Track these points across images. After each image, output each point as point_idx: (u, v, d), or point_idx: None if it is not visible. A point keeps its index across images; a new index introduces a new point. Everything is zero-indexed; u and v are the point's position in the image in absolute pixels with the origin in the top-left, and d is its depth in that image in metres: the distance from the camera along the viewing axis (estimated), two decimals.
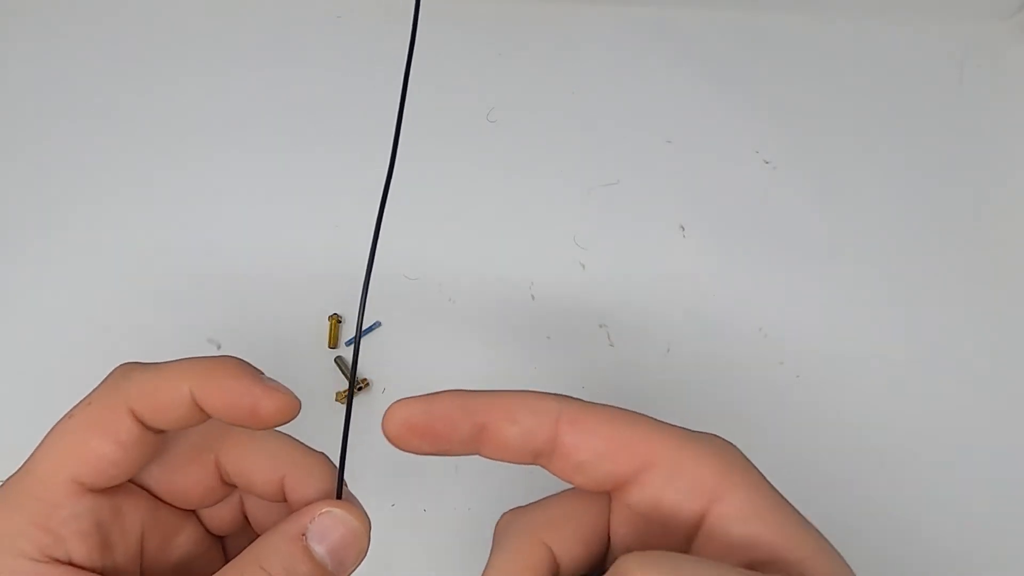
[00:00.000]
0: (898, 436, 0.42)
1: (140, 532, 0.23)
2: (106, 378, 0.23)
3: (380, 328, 0.43)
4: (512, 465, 0.43)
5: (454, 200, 0.46)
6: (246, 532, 0.26)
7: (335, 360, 0.42)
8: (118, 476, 0.22)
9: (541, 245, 0.45)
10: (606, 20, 0.52)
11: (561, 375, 0.42)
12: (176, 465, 0.24)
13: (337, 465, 0.23)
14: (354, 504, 0.23)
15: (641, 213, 0.46)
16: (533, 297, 0.44)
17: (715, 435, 0.22)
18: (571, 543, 0.21)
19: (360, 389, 0.41)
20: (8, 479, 0.22)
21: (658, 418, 0.21)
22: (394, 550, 0.39)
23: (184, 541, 0.24)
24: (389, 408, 0.22)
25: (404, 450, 0.23)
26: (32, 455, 0.22)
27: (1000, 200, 0.47)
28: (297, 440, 0.24)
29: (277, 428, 0.22)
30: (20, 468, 0.22)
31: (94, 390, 0.22)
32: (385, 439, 0.22)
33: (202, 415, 0.22)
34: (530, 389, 0.21)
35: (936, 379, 0.43)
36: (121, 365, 0.23)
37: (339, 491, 0.23)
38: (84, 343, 0.42)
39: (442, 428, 0.22)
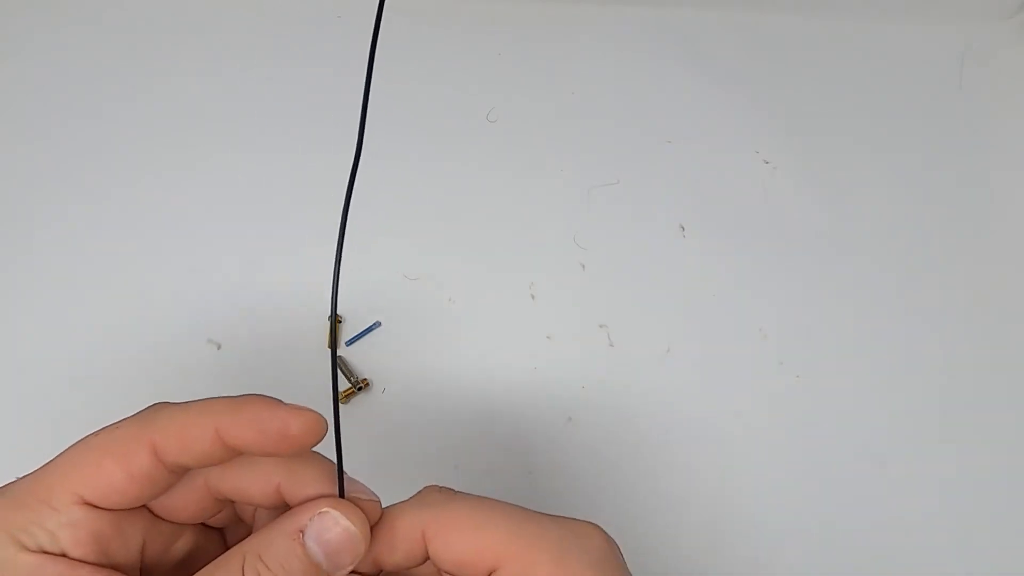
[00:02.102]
0: (898, 436, 0.42)
1: (140, 544, 0.23)
2: (139, 412, 0.23)
3: (380, 328, 0.43)
4: (512, 466, 0.43)
5: (454, 200, 0.46)
6: (244, 522, 0.26)
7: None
8: (121, 503, 0.22)
9: (541, 245, 0.45)
10: (606, 20, 0.52)
11: (561, 375, 0.42)
12: (168, 492, 0.24)
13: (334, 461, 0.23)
14: (354, 505, 0.23)
15: (641, 213, 0.46)
16: (533, 297, 0.44)
17: (586, 526, 0.23)
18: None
19: (360, 389, 0.41)
20: (18, 479, 0.22)
21: (534, 509, 0.23)
22: None
23: (184, 543, 0.25)
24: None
25: None
26: (47, 463, 0.22)
27: (1000, 200, 0.47)
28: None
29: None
30: (32, 472, 0.22)
31: (124, 419, 0.23)
32: None
33: (226, 451, 0.22)
34: (395, 505, 0.24)
35: (936, 379, 0.43)
36: (154, 404, 0.23)
37: (341, 490, 0.23)
38: (83, 343, 0.42)
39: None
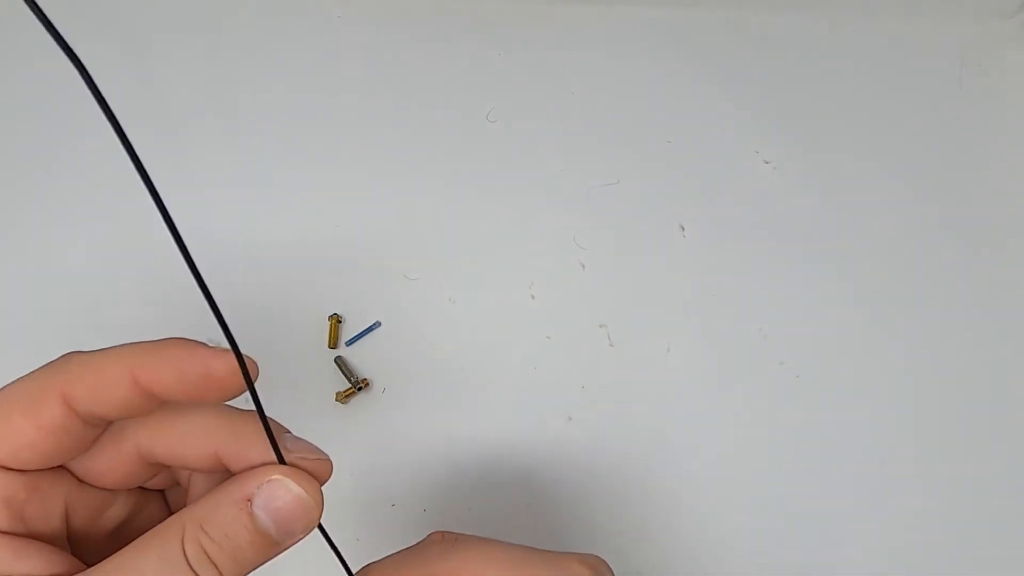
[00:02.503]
0: (898, 436, 0.42)
1: (62, 510, 0.21)
2: (48, 362, 0.21)
3: (380, 328, 0.43)
4: (512, 466, 0.43)
5: (454, 200, 0.46)
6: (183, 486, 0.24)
7: (335, 360, 0.42)
8: (34, 461, 0.20)
9: (541, 245, 0.45)
10: (606, 20, 0.52)
11: (561, 375, 0.42)
12: (91, 453, 0.22)
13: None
14: (304, 472, 0.21)
15: (641, 213, 0.46)
16: (533, 297, 0.44)
17: (571, 562, 0.24)
18: None
19: (360, 389, 0.41)
20: None
21: (528, 544, 0.25)
22: (394, 550, 0.39)
23: (118, 510, 0.23)
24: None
25: None
26: None
27: (1001, 199, 0.47)
28: (225, 406, 0.22)
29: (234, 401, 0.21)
30: None
31: (32, 371, 0.21)
32: None
33: (145, 399, 0.20)
34: (401, 554, 0.26)
35: (936, 379, 0.43)
36: (67, 352, 0.21)
37: (279, 456, 0.21)
38: (83, 343, 0.42)
39: None
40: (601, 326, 0.43)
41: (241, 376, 0.20)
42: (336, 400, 0.41)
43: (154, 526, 0.20)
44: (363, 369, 0.42)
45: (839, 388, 0.42)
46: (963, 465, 0.41)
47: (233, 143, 0.48)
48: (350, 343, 0.42)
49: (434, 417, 0.41)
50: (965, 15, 0.51)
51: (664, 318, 0.44)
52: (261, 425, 0.21)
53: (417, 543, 0.26)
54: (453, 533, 0.26)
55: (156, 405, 0.21)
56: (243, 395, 0.21)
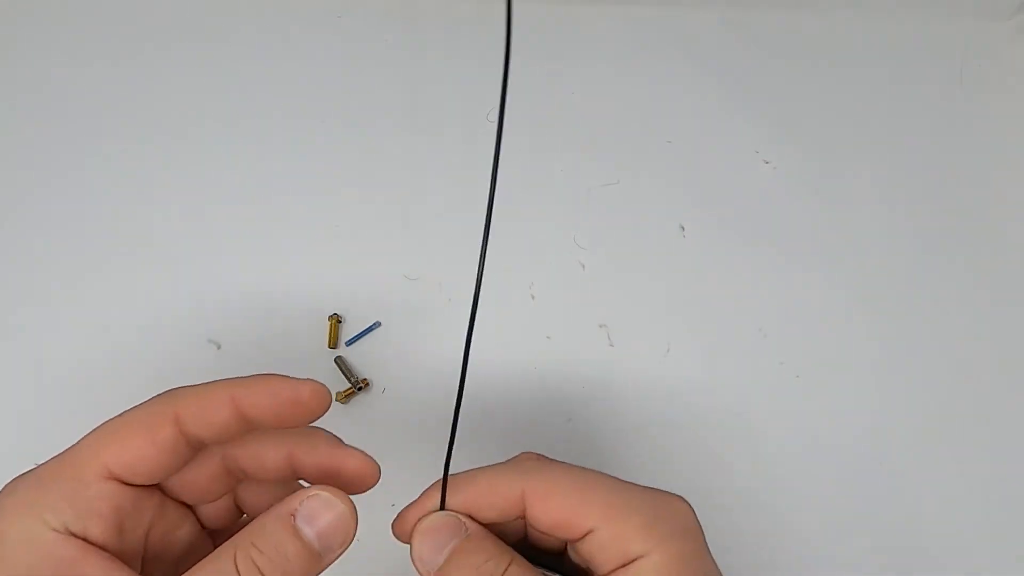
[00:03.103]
0: (898, 436, 0.42)
1: (149, 523, 0.24)
2: (158, 394, 0.24)
3: (380, 328, 0.43)
4: None
5: (454, 200, 0.46)
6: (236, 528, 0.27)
7: (335, 360, 0.42)
8: (147, 476, 0.23)
9: (541, 245, 0.45)
10: (606, 20, 0.52)
11: (561, 375, 0.42)
12: (183, 469, 0.25)
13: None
14: (341, 491, 0.24)
15: (641, 213, 0.46)
16: (533, 297, 0.44)
17: (673, 497, 0.25)
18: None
19: (360, 389, 0.41)
20: (51, 459, 0.23)
21: (622, 476, 0.25)
22: (394, 550, 0.39)
23: (183, 535, 0.26)
24: (400, 522, 0.27)
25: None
26: (77, 442, 0.23)
27: (1000, 199, 0.47)
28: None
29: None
30: (63, 451, 0.23)
31: (143, 402, 0.24)
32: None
33: (242, 423, 0.23)
34: (495, 466, 0.26)
35: (936, 378, 0.43)
36: (172, 388, 0.25)
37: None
38: (83, 343, 0.42)
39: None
40: (601, 326, 0.43)
41: (324, 400, 0.24)
42: (336, 400, 0.41)
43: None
44: (363, 369, 0.42)
45: (839, 388, 0.42)
46: (963, 465, 0.41)
47: (234, 143, 0.48)
48: (350, 343, 0.42)
49: (434, 417, 0.41)
50: (965, 15, 0.51)
51: (664, 318, 0.44)
52: (323, 433, 0.25)
53: (511, 458, 0.27)
54: (544, 455, 0.27)
55: (250, 429, 0.24)
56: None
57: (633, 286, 0.44)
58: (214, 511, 0.27)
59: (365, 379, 0.41)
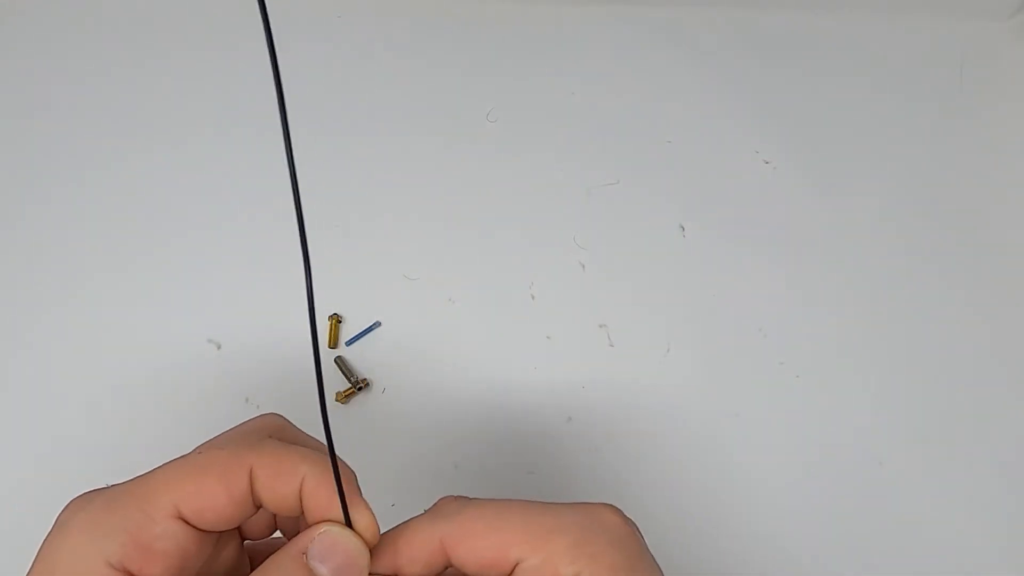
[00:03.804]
0: (897, 436, 0.42)
1: (205, 559, 0.24)
2: (246, 425, 0.24)
3: (380, 328, 0.43)
4: (512, 465, 0.43)
5: (454, 200, 0.46)
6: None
7: (335, 360, 0.42)
8: (214, 524, 0.22)
9: (541, 245, 0.45)
10: (606, 20, 0.52)
11: (561, 375, 0.42)
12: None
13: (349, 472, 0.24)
14: (360, 523, 0.23)
15: (641, 213, 0.46)
16: (533, 297, 0.44)
17: (600, 508, 0.24)
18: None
19: (360, 389, 0.41)
20: (124, 482, 0.22)
21: (545, 501, 0.24)
22: None
23: (226, 558, 0.25)
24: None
25: None
26: (151, 471, 0.23)
27: (1000, 199, 0.47)
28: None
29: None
30: (136, 477, 0.22)
31: (232, 431, 0.24)
32: None
33: (297, 506, 0.23)
34: (412, 520, 0.25)
35: (936, 378, 0.43)
36: (267, 415, 0.25)
37: (346, 516, 0.23)
38: (83, 343, 0.42)
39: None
40: (601, 326, 0.43)
41: (367, 536, 0.23)
42: (336, 400, 0.41)
43: None
44: (363, 369, 0.42)
45: (839, 388, 0.42)
46: (963, 464, 0.41)
47: (233, 142, 0.48)
48: (350, 343, 0.42)
49: (434, 417, 0.41)
50: (965, 15, 0.51)
51: (664, 318, 0.44)
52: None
53: (431, 507, 0.26)
54: (464, 496, 0.26)
55: (297, 513, 0.23)
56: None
57: (633, 286, 0.44)
58: (255, 527, 0.27)
59: (365, 379, 0.41)
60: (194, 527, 0.22)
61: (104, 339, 0.42)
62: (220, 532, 0.24)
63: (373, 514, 0.23)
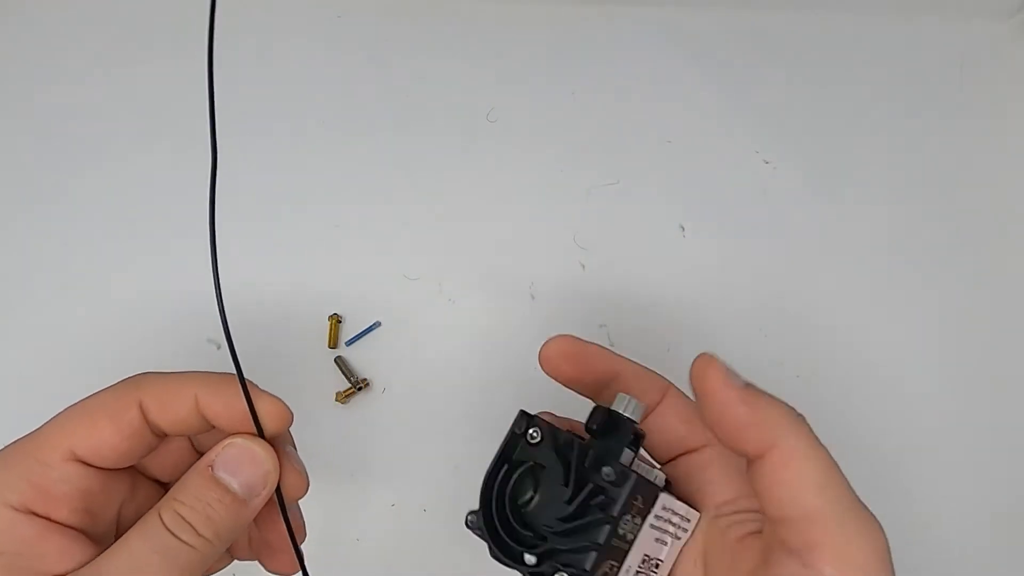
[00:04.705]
0: (898, 436, 0.42)
1: (121, 502, 0.25)
2: (124, 378, 0.25)
3: (380, 328, 0.43)
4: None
5: (454, 200, 0.46)
6: None
7: (335, 360, 0.42)
8: (112, 461, 0.23)
9: (541, 245, 0.45)
10: (605, 20, 0.52)
11: None
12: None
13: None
14: (265, 407, 0.24)
15: (641, 213, 0.46)
16: (533, 297, 0.44)
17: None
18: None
19: (360, 389, 0.41)
20: (16, 440, 0.23)
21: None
22: (394, 550, 0.39)
23: (146, 495, 0.26)
24: (550, 339, 0.29)
25: (549, 372, 0.29)
26: (42, 425, 0.23)
27: (1001, 199, 0.47)
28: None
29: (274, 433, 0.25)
30: (27, 434, 0.23)
31: (109, 386, 0.24)
32: (539, 363, 0.29)
33: (202, 423, 0.24)
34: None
35: (937, 378, 0.43)
36: (140, 373, 0.25)
37: (255, 419, 0.24)
38: (83, 343, 0.42)
39: (586, 361, 0.30)
40: (601, 326, 0.43)
41: (281, 424, 0.24)
42: (336, 400, 0.41)
43: None
44: (363, 369, 0.42)
45: (839, 388, 0.42)
46: (966, 465, 0.41)
47: (232, 142, 0.47)
48: (350, 343, 0.42)
49: (434, 417, 0.41)
50: (965, 15, 0.51)
51: (664, 318, 0.44)
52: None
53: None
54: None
55: (207, 429, 0.24)
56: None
57: (633, 286, 0.44)
58: (170, 459, 0.27)
59: (365, 379, 0.41)
60: (96, 467, 0.23)
61: (104, 339, 0.42)
62: (126, 468, 0.24)
63: (277, 398, 0.24)
